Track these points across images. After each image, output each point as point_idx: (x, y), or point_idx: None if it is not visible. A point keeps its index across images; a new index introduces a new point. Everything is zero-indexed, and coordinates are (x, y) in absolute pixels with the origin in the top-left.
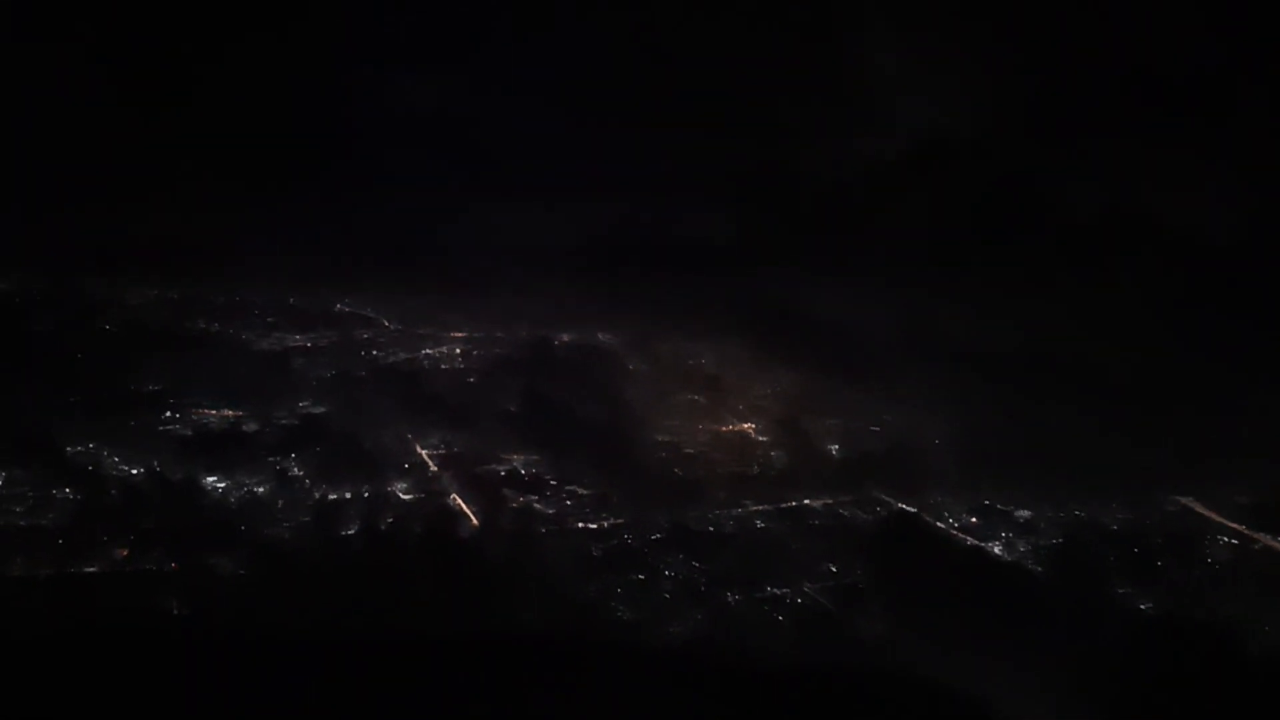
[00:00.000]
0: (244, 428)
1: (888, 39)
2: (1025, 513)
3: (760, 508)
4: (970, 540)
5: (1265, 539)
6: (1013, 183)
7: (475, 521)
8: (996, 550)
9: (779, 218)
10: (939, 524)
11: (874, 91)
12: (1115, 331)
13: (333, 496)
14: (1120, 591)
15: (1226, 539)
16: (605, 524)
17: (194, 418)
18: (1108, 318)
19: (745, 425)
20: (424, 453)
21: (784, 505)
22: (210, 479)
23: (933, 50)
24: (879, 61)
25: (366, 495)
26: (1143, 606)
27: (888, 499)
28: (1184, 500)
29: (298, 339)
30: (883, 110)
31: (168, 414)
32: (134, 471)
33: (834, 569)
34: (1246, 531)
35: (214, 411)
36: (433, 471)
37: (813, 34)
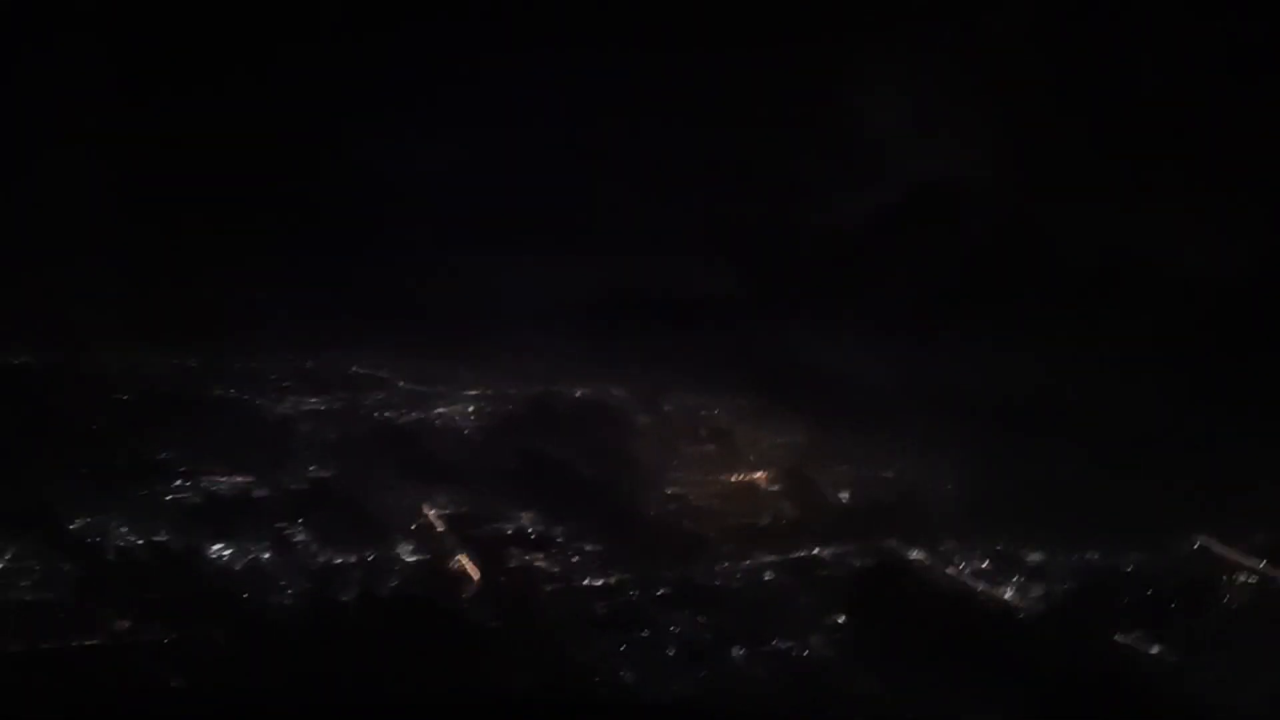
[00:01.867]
0: (254, 494)
1: (887, 90)
2: (1037, 556)
3: (769, 559)
4: (981, 587)
5: None
6: (1016, 229)
7: (479, 582)
8: (1008, 596)
9: (784, 269)
10: (949, 570)
11: (873, 143)
12: (1124, 373)
13: (338, 560)
14: (1134, 635)
15: (1245, 579)
16: (611, 581)
17: (204, 485)
18: (1116, 360)
19: (754, 476)
20: (430, 513)
21: (793, 556)
22: (217, 546)
23: (932, 100)
24: (878, 113)
25: (371, 558)
26: (1156, 650)
27: (898, 547)
28: (1200, 540)
29: (312, 402)
30: (883, 161)
31: (178, 482)
32: (140, 542)
33: (841, 621)
34: (1266, 571)
35: (224, 478)
36: (438, 532)
37: (813, 86)
